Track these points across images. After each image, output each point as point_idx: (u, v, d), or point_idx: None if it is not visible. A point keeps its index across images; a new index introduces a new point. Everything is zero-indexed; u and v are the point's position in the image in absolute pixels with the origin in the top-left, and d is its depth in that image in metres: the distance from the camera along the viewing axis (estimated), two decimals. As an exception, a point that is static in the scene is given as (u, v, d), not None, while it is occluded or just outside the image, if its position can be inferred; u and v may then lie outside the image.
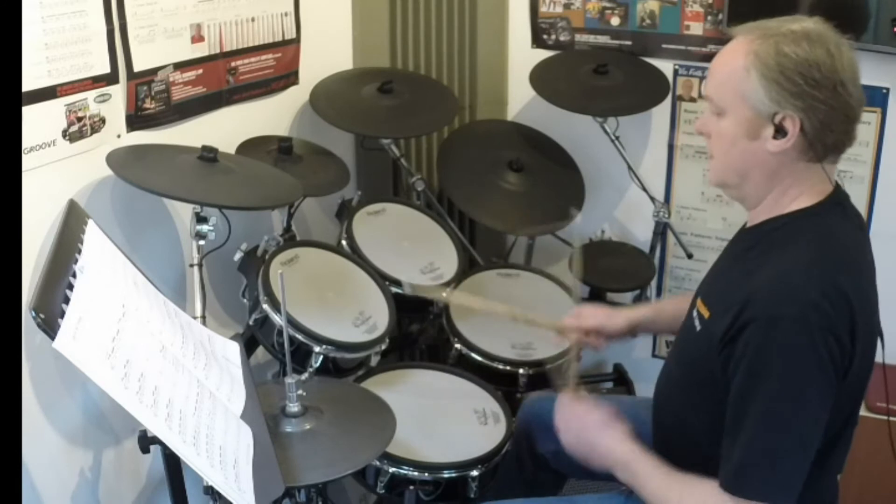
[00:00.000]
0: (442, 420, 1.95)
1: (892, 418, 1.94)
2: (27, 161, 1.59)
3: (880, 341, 1.42)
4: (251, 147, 2.11)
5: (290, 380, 1.55)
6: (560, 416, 1.61)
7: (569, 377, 1.74)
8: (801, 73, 1.29)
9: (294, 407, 1.56)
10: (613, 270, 2.50)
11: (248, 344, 1.90)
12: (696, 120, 1.43)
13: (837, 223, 1.40)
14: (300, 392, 1.57)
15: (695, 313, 1.48)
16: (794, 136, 1.32)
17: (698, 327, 1.46)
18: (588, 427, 1.57)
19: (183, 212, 1.98)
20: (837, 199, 1.41)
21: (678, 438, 1.56)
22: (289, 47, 2.26)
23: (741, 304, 1.33)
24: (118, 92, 1.80)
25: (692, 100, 2.55)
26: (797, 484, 1.31)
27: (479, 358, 2.10)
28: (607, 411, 1.57)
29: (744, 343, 1.32)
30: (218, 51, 2.04)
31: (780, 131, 1.33)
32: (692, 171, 2.62)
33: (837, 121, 1.32)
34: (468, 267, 2.40)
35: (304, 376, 1.77)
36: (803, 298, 1.29)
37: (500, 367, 2.10)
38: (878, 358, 1.44)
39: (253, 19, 2.12)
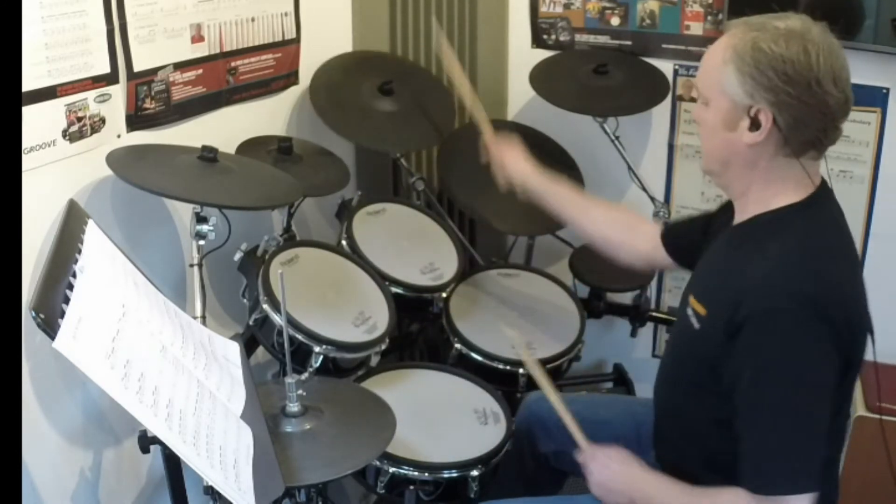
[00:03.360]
0: (442, 420, 1.95)
1: (885, 417, 1.94)
2: (27, 161, 1.59)
3: (870, 338, 1.44)
4: (251, 147, 2.11)
5: (290, 380, 1.55)
6: (589, 462, 1.60)
7: (538, 377, 1.75)
8: (773, 68, 1.32)
9: (294, 407, 1.56)
10: (613, 270, 2.49)
11: (248, 344, 1.90)
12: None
13: (824, 219, 1.43)
14: (300, 392, 1.57)
15: (689, 311, 1.49)
16: (766, 130, 1.35)
17: (696, 325, 1.47)
18: (607, 459, 1.58)
19: (183, 212, 1.98)
20: (822, 196, 1.44)
21: (680, 436, 1.57)
22: (289, 47, 2.26)
23: (737, 300, 1.34)
24: (118, 92, 1.80)
25: (692, 100, 2.55)
26: (817, 468, 1.34)
27: (479, 358, 2.10)
28: (614, 451, 1.58)
29: (744, 339, 1.34)
30: (218, 51, 2.04)
31: (754, 124, 1.36)
32: (692, 171, 2.61)
33: (812, 118, 1.34)
34: (468, 267, 2.40)
35: (304, 376, 1.77)
36: (798, 290, 1.31)
37: (500, 367, 2.10)
38: (870, 356, 1.45)
39: (253, 19, 2.12)
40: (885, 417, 1.94)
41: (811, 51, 1.32)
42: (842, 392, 1.39)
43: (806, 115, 1.34)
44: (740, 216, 1.49)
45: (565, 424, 1.67)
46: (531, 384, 2.10)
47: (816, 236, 1.40)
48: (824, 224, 1.43)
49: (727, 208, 1.59)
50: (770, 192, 1.42)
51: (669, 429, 1.60)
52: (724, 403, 1.40)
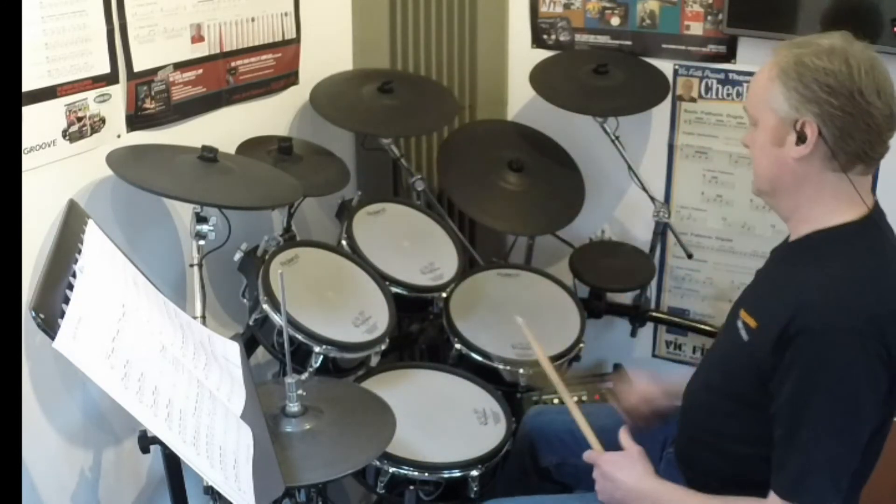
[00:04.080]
0: (442, 420, 1.95)
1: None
2: (27, 161, 1.59)
3: None
4: (251, 147, 2.11)
5: (290, 380, 1.56)
6: (597, 482, 1.61)
7: (554, 383, 1.75)
8: (816, 80, 1.36)
9: (294, 407, 1.56)
10: (613, 270, 2.51)
11: (248, 344, 1.90)
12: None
13: (883, 239, 1.45)
14: (300, 392, 1.57)
15: (739, 324, 1.50)
16: (812, 143, 1.38)
17: (745, 337, 1.47)
18: (612, 468, 1.58)
19: (183, 212, 1.98)
20: (878, 217, 1.47)
21: (706, 445, 1.57)
22: (289, 47, 2.26)
23: (791, 314, 1.36)
24: (118, 92, 1.80)
25: (692, 100, 2.55)
26: (846, 486, 1.38)
27: (479, 358, 2.10)
28: (631, 453, 1.59)
29: (795, 352, 1.35)
30: (218, 51, 2.04)
31: (801, 138, 1.39)
32: (692, 171, 2.61)
33: (857, 129, 1.36)
34: (468, 267, 2.40)
35: (304, 376, 1.77)
36: (856, 310, 1.33)
37: (501, 367, 2.10)
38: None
39: (253, 19, 2.12)
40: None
41: (852, 63, 1.35)
42: (885, 411, 1.40)
43: (851, 126, 1.36)
44: (795, 235, 1.50)
45: (574, 419, 1.67)
46: (531, 385, 2.11)
47: (877, 256, 1.42)
48: (883, 244, 1.45)
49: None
50: (822, 209, 1.44)
51: (698, 436, 1.61)
52: (761, 414, 1.41)
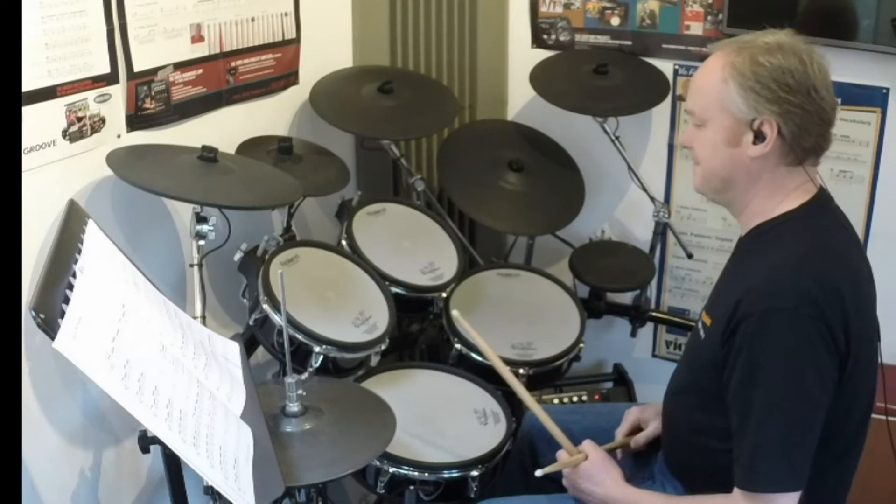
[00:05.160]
0: (442, 420, 1.95)
1: (890, 418, 1.94)
2: (27, 161, 1.59)
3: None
4: (251, 147, 2.11)
5: (290, 380, 1.56)
6: (566, 485, 1.65)
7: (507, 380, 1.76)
8: (775, 79, 1.37)
9: (294, 407, 1.56)
10: (613, 270, 2.50)
11: (248, 344, 1.90)
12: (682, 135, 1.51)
13: (825, 223, 1.46)
14: (300, 392, 1.57)
15: (699, 325, 1.52)
16: (772, 141, 1.39)
17: (703, 335, 1.50)
18: (581, 481, 1.61)
19: (183, 212, 1.98)
20: (823, 201, 1.47)
21: (690, 446, 1.58)
22: (289, 47, 2.26)
23: (735, 303, 1.37)
24: (118, 92, 1.80)
25: (692, 100, 2.55)
26: (805, 470, 1.36)
27: (479, 358, 2.10)
28: (596, 462, 1.61)
29: (739, 339, 1.36)
30: (218, 51, 2.04)
31: (759, 136, 1.40)
32: (692, 172, 2.61)
33: (813, 124, 1.38)
34: (468, 267, 2.40)
35: (304, 376, 1.77)
36: (795, 291, 1.33)
37: (501, 367, 2.10)
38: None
39: (253, 19, 2.12)
40: (890, 418, 1.94)
41: (805, 59, 1.37)
42: (846, 395, 1.39)
43: (808, 122, 1.38)
44: (745, 228, 1.51)
45: (537, 415, 1.69)
46: (531, 384, 2.10)
47: (817, 240, 1.42)
48: (827, 227, 1.45)
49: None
50: (773, 201, 1.45)
51: (681, 438, 1.61)
52: (727, 411, 1.41)
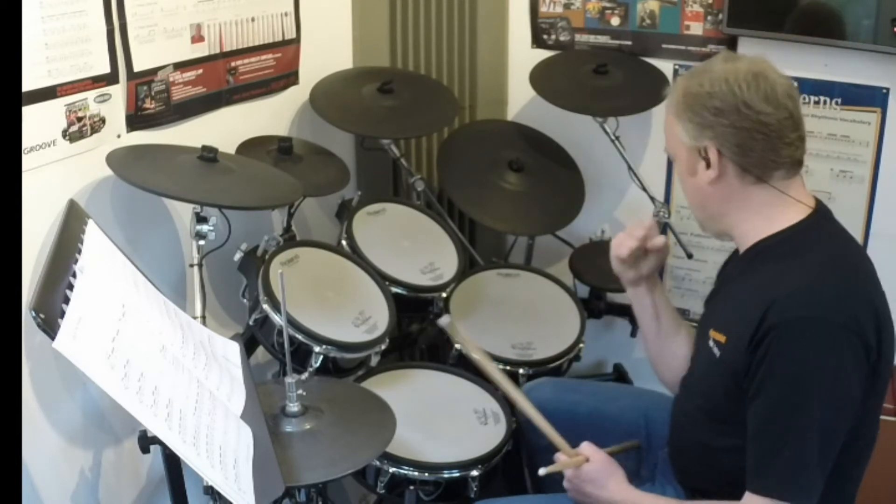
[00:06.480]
0: (442, 420, 1.95)
1: (892, 418, 1.94)
2: (27, 161, 1.59)
3: None
4: (251, 147, 2.11)
5: (290, 379, 1.55)
6: (568, 488, 1.63)
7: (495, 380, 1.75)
8: (703, 105, 1.40)
9: (294, 407, 1.56)
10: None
11: (248, 344, 1.90)
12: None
13: (837, 234, 1.46)
14: (300, 392, 1.57)
15: (710, 343, 1.50)
16: (717, 164, 1.41)
17: (717, 353, 1.47)
18: (584, 484, 1.59)
19: (183, 212, 1.98)
20: (823, 213, 1.47)
21: (695, 458, 1.58)
22: (289, 47, 2.26)
23: (761, 314, 1.35)
24: (118, 92, 1.80)
25: (692, 100, 2.55)
26: (822, 480, 1.35)
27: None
28: (598, 464, 1.59)
29: (768, 347, 1.34)
30: (218, 51, 2.04)
31: (707, 162, 1.42)
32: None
33: (754, 140, 1.38)
34: (468, 267, 2.40)
35: (304, 376, 1.77)
36: (826, 301, 1.33)
37: (500, 367, 2.09)
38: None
39: (253, 19, 2.12)
40: (890, 418, 1.94)
41: (731, 80, 1.38)
42: (867, 405, 1.39)
43: (747, 139, 1.38)
44: (743, 247, 1.51)
45: (529, 415, 1.68)
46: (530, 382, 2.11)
47: (839, 249, 1.43)
48: (838, 238, 1.46)
49: (730, 258, 1.63)
50: (759, 220, 1.45)
51: (691, 460, 1.60)
52: (742, 429, 1.40)
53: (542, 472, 1.60)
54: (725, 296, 1.58)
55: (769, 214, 1.44)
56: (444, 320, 1.81)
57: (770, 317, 1.34)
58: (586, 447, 1.62)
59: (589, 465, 1.59)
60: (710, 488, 1.52)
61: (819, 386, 1.32)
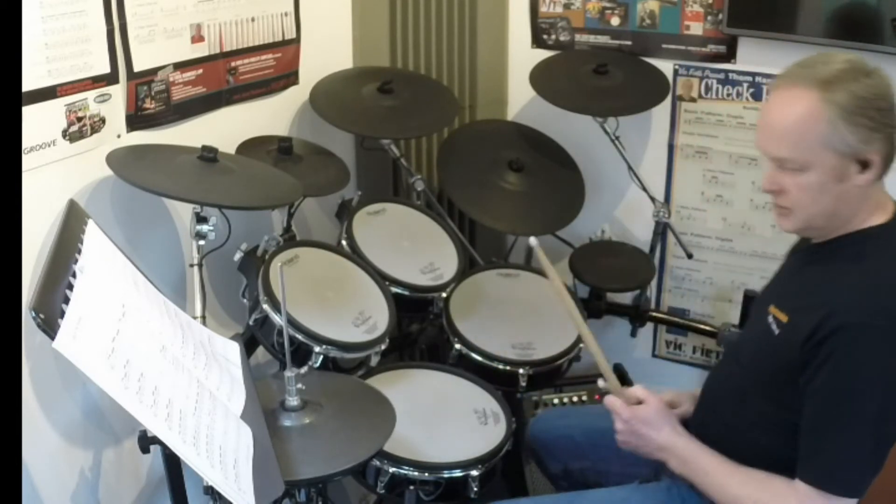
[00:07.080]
0: (442, 420, 1.95)
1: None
2: (27, 161, 1.59)
3: None
4: (251, 147, 2.11)
5: (289, 373, 1.55)
6: (616, 418, 1.63)
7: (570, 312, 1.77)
8: (875, 107, 1.36)
9: (293, 401, 1.56)
10: (613, 270, 2.50)
11: (248, 344, 1.90)
12: (763, 180, 1.47)
13: None
14: (299, 386, 1.57)
15: (770, 318, 1.50)
16: (879, 167, 1.39)
17: (776, 331, 1.48)
18: (640, 425, 1.59)
19: (183, 212, 1.98)
20: None
21: (730, 442, 1.57)
22: (289, 47, 2.26)
23: (826, 312, 1.37)
24: (118, 92, 1.80)
25: (692, 100, 2.55)
26: (871, 480, 1.40)
27: (479, 358, 2.10)
28: (655, 407, 1.60)
29: (830, 348, 1.36)
30: (218, 51, 2.04)
31: (865, 165, 1.39)
32: (692, 171, 2.62)
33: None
34: (468, 267, 2.40)
35: (304, 370, 1.77)
36: (891, 308, 1.35)
37: (500, 367, 2.10)
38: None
39: (253, 19, 2.12)
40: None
41: (883, 76, 1.38)
42: None
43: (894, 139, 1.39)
44: (824, 238, 1.50)
45: (590, 350, 1.67)
46: (531, 384, 2.11)
47: None
48: None
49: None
50: (860, 217, 1.45)
51: (720, 434, 1.59)
52: (791, 409, 1.42)
53: (600, 383, 1.62)
54: (796, 277, 1.57)
55: (870, 211, 1.45)
56: (533, 241, 1.75)
57: (835, 317, 1.36)
58: (639, 390, 1.63)
59: (645, 406, 1.60)
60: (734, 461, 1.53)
61: (878, 389, 1.35)
